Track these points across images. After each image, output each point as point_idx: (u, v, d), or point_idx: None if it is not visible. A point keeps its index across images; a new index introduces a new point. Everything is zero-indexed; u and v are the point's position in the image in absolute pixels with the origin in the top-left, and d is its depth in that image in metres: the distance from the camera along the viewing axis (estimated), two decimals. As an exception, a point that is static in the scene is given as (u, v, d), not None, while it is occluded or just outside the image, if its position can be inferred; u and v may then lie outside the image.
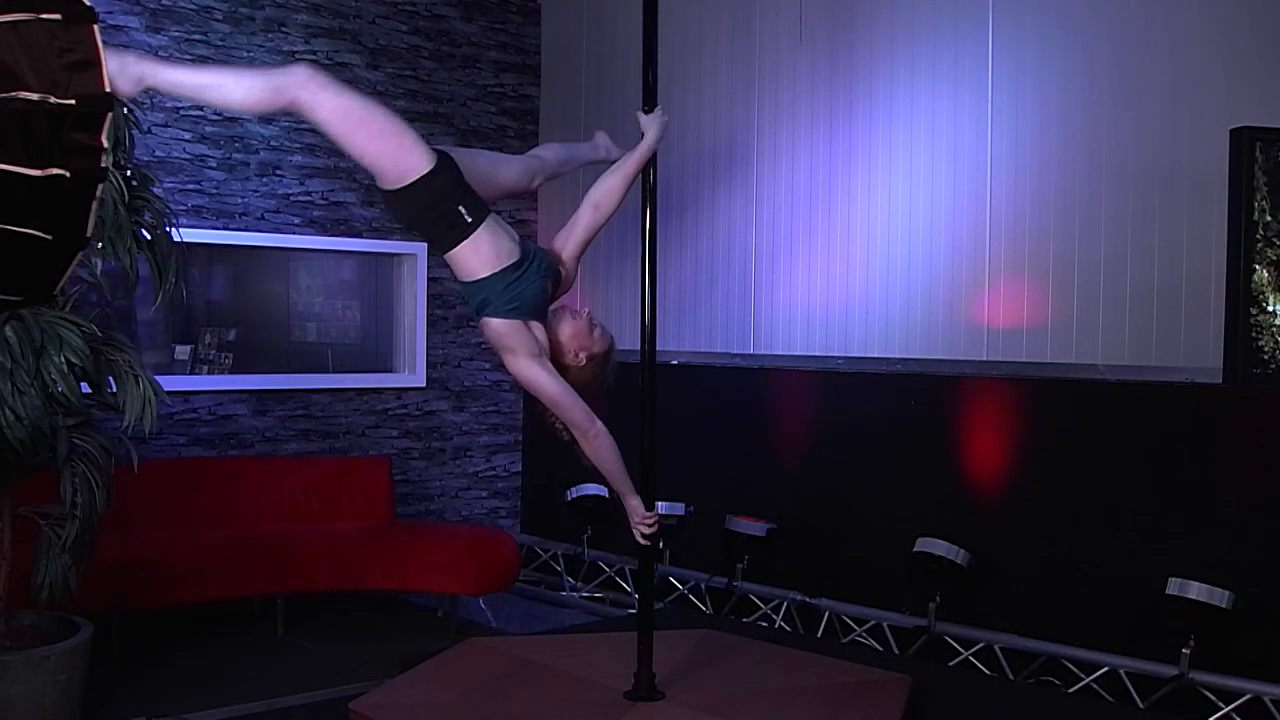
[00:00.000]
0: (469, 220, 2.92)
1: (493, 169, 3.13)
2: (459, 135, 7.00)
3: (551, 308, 3.18)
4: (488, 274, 2.97)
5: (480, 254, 2.96)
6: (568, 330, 3.16)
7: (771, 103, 6.02)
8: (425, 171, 2.83)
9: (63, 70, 1.97)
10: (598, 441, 3.14)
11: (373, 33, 6.64)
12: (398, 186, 2.85)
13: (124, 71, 2.45)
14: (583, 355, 3.18)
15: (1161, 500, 4.52)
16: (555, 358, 3.13)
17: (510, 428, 7.25)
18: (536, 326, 3.06)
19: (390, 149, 2.80)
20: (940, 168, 5.29)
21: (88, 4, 1.99)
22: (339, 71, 6.49)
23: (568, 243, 3.25)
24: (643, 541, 3.32)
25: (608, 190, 3.24)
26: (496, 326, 3.01)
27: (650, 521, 3.29)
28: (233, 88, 2.64)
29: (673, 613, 5.15)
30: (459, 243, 2.95)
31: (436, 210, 2.91)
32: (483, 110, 7.13)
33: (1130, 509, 4.60)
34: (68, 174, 2.03)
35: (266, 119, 6.25)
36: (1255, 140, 4.02)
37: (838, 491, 5.61)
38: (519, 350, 3.02)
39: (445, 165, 2.88)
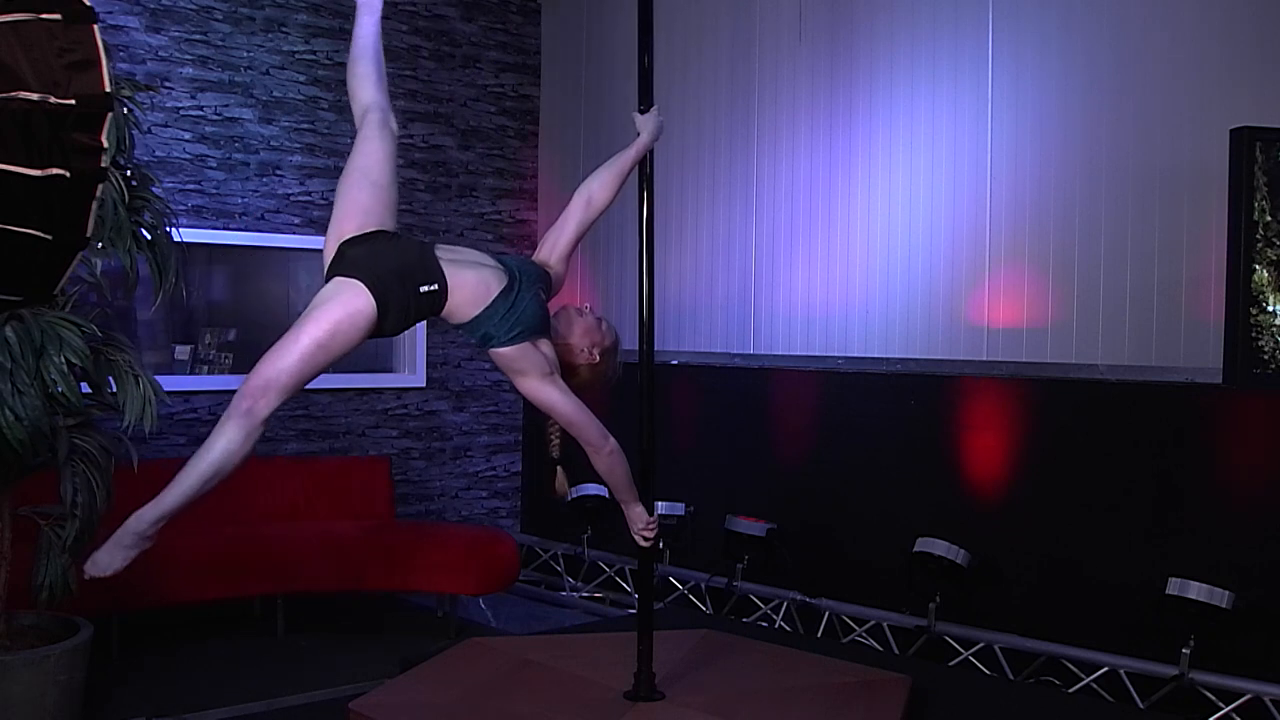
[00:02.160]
0: (435, 288, 2.76)
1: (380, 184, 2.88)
2: (459, 135, 7.00)
3: (554, 311, 3.07)
4: (480, 311, 2.82)
5: (466, 298, 2.81)
6: (578, 329, 3.08)
7: (771, 103, 6.02)
8: (375, 310, 2.68)
9: (63, 70, 1.97)
10: (611, 459, 3.07)
11: (373, 33, 6.63)
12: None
13: (139, 533, 2.61)
14: (595, 351, 3.08)
15: (1161, 500, 4.52)
16: (566, 359, 3.04)
17: (510, 428, 7.25)
18: (543, 343, 2.93)
19: (349, 340, 2.68)
20: (940, 168, 5.29)
21: (88, 4, 1.99)
22: (339, 71, 6.49)
23: (558, 241, 3.15)
24: (644, 545, 3.33)
25: (601, 186, 3.20)
26: (505, 354, 2.87)
27: (651, 527, 3.29)
28: (226, 461, 2.64)
29: (673, 613, 5.15)
30: (444, 305, 2.81)
31: (405, 311, 2.75)
32: (483, 110, 7.13)
33: (1130, 509, 4.60)
34: (68, 174, 2.03)
35: (267, 119, 6.25)
36: (1255, 140, 4.02)
37: (838, 491, 5.60)
38: (530, 372, 2.90)
39: (377, 275, 2.68)
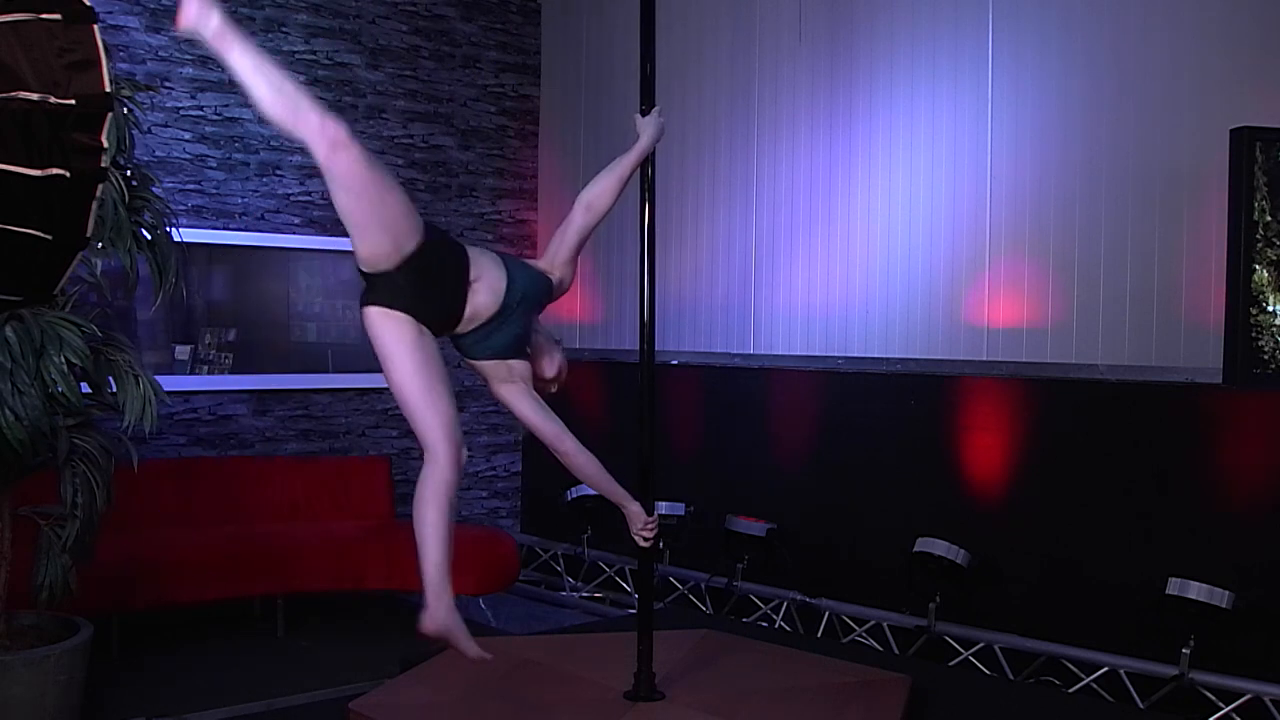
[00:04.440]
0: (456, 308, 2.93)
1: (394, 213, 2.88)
2: (459, 135, 7.00)
3: (539, 337, 3.17)
4: (466, 330, 2.96)
5: (463, 320, 2.94)
6: (549, 370, 3.21)
7: (771, 103, 6.02)
8: (422, 332, 2.78)
9: (63, 70, 1.97)
10: (570, 461, 3.17)
11: (373, 33, 6.64)
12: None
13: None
14: (556, 385, 3.25)
15: (1161, 500, 4.52)
16: (537, 387, 3.17)
17: (510, 428, 7.25)
18: (515, 362, 3.08)
19: (436, 361, 2.80)
20: (940, 168, 5.29)
21: (88, 4, 1.99)
22: (339, 71, 6.50)
23: (560, 248, 3.19)
24: (644, 545, 3.33)
25: (601, 191, 3.20)
26: (474, 364, 3.08)
27: (651, 527, 3.30)
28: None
29: (673, 613, 5.15)
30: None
31: (442, 325, 2.92)
32: (483, 110, 7.13)
33: (1130, 509, 4.60)
34: (68, 174, 2.03)
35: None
36: (1255, 140, 4.02)
37: (838, 491, 5.60)
38: (492, 379, 3.10)
39: (419, 306, 2.80)
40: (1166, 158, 4.55)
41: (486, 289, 2.93)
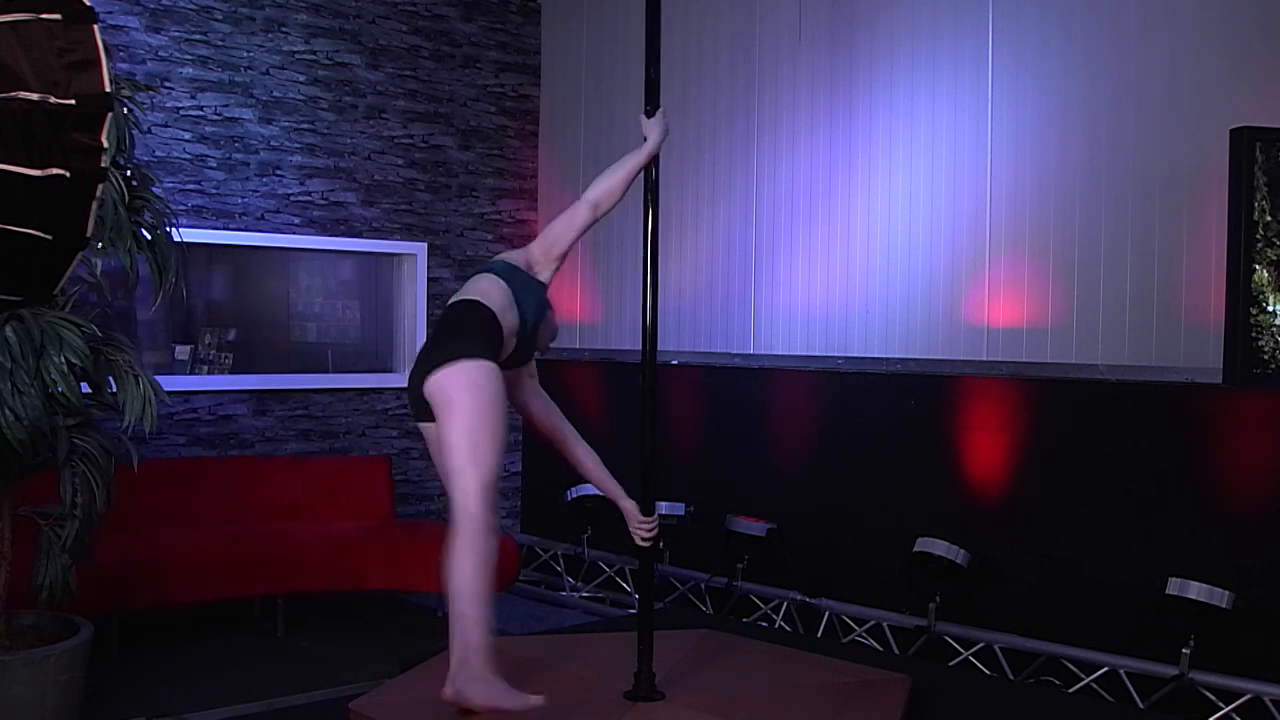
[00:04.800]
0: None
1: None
2: (459, 135, 7.00)
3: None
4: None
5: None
6: (548, 339, 3.44)
7: (771, 103, 6.02)
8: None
9: (63, 70, 1.96)
10: (569, 452, 3.40)
11: (373, 33, 6.63)
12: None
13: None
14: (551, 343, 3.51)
15: (1161, 500, 4.52)
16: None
17: (510, 428, 7.24)
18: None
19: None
20: (940, 168, 5.29)
21: (88, 4, 1.99)
22: (339, 71, 6.50)
23: (559, 243, 3.30)
24: (643, 544, 3.33)
25: (607, 190, 3.22)
26: None
27: (649, 526, 3.30)
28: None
29: (673, 613, 5.15)
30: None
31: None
32: (483, 110, 7.13)
33: (1130, 509, 4.60)
34: (68, 174, 2.03)
35: (267, 119, 6.25)
36: (1255, 140, 4.02)
37: (838, 491, 5.60)
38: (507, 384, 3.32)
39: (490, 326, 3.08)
40: (1166, 158, 4.55)
41: (510, 333, 3.11)
